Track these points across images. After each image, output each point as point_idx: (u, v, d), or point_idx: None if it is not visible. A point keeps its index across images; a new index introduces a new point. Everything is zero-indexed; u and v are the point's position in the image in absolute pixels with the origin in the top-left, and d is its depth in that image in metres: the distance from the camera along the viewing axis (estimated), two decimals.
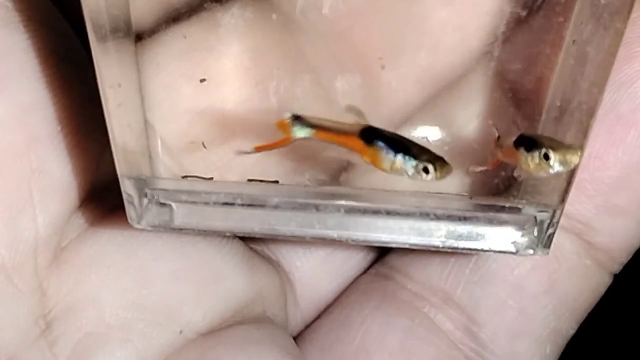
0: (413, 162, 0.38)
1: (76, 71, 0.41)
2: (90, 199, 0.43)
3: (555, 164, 0.36)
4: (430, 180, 0.38)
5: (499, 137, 0.40)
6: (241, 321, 0.44)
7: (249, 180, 0.42)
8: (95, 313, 0.41)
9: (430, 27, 0.39)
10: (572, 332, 0.46)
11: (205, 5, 0.39)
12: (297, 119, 0.39)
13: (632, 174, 0.42)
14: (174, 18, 0.39)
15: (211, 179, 0.42)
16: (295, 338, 0.48)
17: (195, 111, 0.41)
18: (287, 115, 0.39)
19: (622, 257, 0.45)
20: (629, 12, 0.34)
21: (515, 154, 0.38)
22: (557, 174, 0.37)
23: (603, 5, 0.35)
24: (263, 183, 0.42)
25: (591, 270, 0.45)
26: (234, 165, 0.42)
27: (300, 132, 0.39)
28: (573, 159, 0.37)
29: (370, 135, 0.39)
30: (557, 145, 0.37)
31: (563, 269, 0.45)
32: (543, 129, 0.40)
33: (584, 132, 0.37)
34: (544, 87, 0.40)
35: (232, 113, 0.41)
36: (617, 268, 0.46)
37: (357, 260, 0.49)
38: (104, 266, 0.42)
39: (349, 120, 0.39)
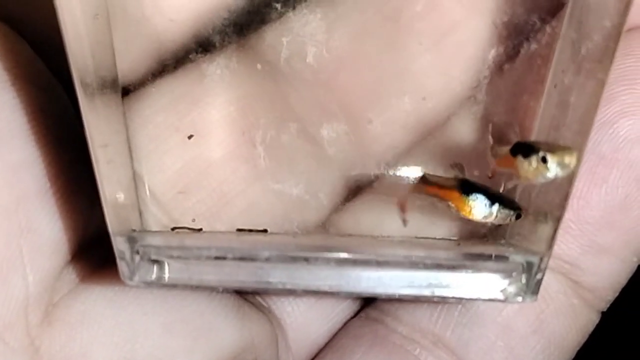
0: (509, 212, 0.40)
1: (64, 128, 0.41)
2: (80, 254, 0.43)
3: (553, 165, 0.36)
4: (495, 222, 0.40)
5: (493, 146, 0.40)
6: None
7: (238, 229, 0.42)
8: None
9: (415, 72, 0.40)
10: None
11: (190, 56, 0.39)
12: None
13: (615, 213, 0.43)
14: (160, 70, 0.40)
15: (200, 229, 0.42)
16: None
17: (183, 161, 0.41)
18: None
19: (608, 295, 0.45)
20: (611, 62, 0.35)
21: (512, 163, 0.38)
22: (557, 180, 0.37)
23: (583, 54, 0.36)
24: (252, 233, 0.42)
25: (578, 309, 0.45)
26: (223, 215, 0.42)
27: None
28: (571, 160, 0.36)
29: (468, 188, 0.40)
30: (555, 148, 0.37)
31: (550, 308, 0.45)
32: None
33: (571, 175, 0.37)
34: (526, 131, 0.40)
35: (219, 162, 0.42)
36: (604, 306, 0.46)
37: (347, 304, 0.49)
38: (95, 322, 0.42)
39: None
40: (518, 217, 0.40)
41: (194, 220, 0.42)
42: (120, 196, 0.39)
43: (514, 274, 0.40)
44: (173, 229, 0.42)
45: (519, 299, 0.40)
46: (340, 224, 0.43)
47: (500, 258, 0.40)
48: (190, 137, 0.41)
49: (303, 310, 0.48)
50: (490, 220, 0.40)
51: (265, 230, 0.42)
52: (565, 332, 0.45)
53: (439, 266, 0.40)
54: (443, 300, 0.44)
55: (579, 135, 0.37)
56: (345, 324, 0.49)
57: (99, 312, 0.42)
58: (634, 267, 0.45)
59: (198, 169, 0.42)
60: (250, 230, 0.42)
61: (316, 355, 0.49)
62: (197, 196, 0.42)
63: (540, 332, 0.45)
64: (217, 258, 0.40)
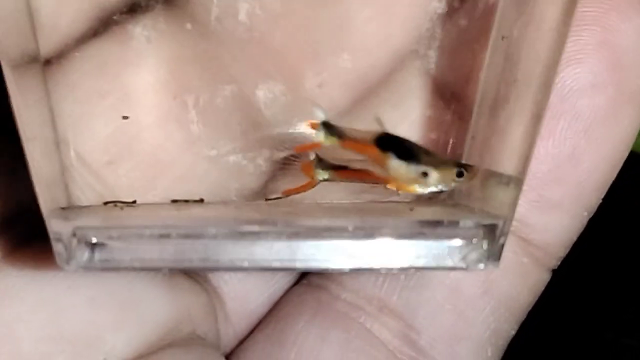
0: (418, 168, 0.39)
1: None
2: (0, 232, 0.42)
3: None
4: (436, 188, 0.40)
5: None
6: (171, 343, 0.44)
7: (173, 201, 0.42)
8: (12, 348, 0.41)
9: (352, 27, 0.40)
10: (513, 332, 0.47)
11: (115, 17, 0.39)
12: (327, 126, 0.40)
13: (563, 166, 0.43)
14: (84, 34, 0.39)
15: (134, 202, 0.41)
16: (228, 355, 0.48)
17: (113, 127, 0.41)
18: (319, 126, 0.40)
19: (559, 252, 0.46)
20: (570, 14, 0.35)
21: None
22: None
23: (533, 2, 0.36)
24: (189, 203, 0.42)
25: (529, 268, 0.45)
26: (157, 184, 0.42)
27: (327, 140, 0.40)
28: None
29: (385, 143, 0.40)
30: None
31: (500, 268, 0.44)
32: (475, 125, 0.41)
33: (534, 126, 0.38)
34: (472, 84, 0.41)
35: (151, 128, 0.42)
36: (555, 264, 0.46)
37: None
38: (17, 299, 0.41)
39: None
40: (460, 174, 0.40)
41: (125, 190, 0.42)
42: (50, 170, 0.39)
43: (474, 240, 0.40)
44: (105, 203, 0.41)
45: (481, 266, 0.40)
46: (279, 191, 0.43)
47: (458, 224, 0.40)
48: (125, 117, 0.41)
49: (241, 277, 0.48)
50: (427, 190, 0.40)
51: (201, 200, 0.42)
52: (515, 292, 0.46)
53: (395, 236, 0.40)
54: (403, 271, 0.44)
55: (539, 91, 0.37)
56: (287, 291, 0.49)
57: (20, 289, 0.42)
58: (585, 223, 0.45)
59: (129, 135, 0.41)
60: (186, 201, 0.42)
61: (257, 325, 0.49)
62: (129, 163, 0.42)
63: (490, 294, 0.45)
64: (160, 236, 0.39)
